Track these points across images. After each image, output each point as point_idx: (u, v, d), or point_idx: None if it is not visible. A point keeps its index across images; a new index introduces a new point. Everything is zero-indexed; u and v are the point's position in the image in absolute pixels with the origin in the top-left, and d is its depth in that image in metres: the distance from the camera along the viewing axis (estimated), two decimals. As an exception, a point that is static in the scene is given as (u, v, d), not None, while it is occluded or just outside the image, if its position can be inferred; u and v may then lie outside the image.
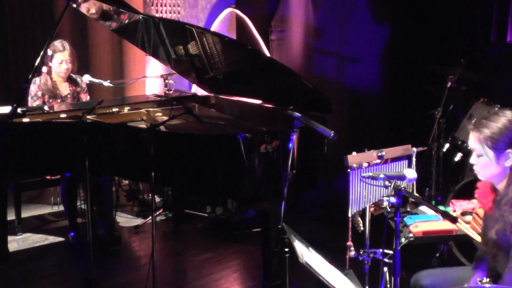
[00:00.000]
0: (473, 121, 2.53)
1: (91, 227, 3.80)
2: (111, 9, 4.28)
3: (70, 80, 4.75)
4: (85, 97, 4.81)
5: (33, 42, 6.07)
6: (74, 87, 4.77)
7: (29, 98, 4.58)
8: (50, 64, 4.60)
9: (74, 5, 4.40)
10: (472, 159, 2.50)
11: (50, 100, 4.63)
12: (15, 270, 4.21)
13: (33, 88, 4.58)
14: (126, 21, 4.38)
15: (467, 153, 4.34)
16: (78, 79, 4.78)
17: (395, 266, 2.51)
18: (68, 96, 4.73)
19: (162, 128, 3.86)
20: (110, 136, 3.84)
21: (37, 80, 4.59)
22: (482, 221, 2.65)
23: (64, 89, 4.72)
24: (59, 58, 4.58)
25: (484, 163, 2.45)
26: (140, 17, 4.26)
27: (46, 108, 4.39)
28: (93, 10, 4.44)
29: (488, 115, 2.50)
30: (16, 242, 4.69)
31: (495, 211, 2.47)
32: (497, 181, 2.48)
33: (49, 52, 4.54)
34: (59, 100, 4.66)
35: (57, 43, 4.59)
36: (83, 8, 4.46)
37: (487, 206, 2.55)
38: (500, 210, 2.41)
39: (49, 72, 4.62)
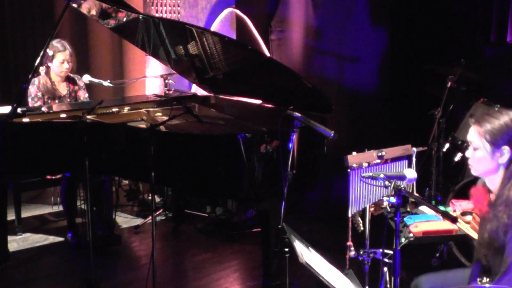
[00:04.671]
0: (474, 117, 2.57)
1: (91, 227, 3.80)
2: (110, 6, 4.28)
3: (68, 79, 4.74)
4: (83, 95, 4.81)
5: (33, 42, 6.07)
6: (72, 86, 4.77)
7: (30, 99, 4.57)
8: (49, 64, 4.59)
9: (75, 5, 4.40)
10: (468, 153, 2.54)
11: (49, 101, 4.63)
12: (15, 270, 4.21)
13: (33, 89, 4.56)
14: (124, 19, 4.38)
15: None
16: (76, 78, 4.78)
17: (395, 266, 2.51)
18: (66, 95, 4.72)
19: (162, 128, 3.86)
20: (110, 136, 3.84)
21: (35, 81, 4.57)
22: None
23: (63, 89, 4.72)
24: (61, 58, 4.58)
25: (479, 157, 2.48)
26: (140, 17, 4.26)
27: (45, 108, 4.39)
28: (93, 12, 4.44)
29: (492, 111, 2.54)
30: (16, 242, 4.69)
31: (490, 212, 2.48)
32: (489, 177, 2.51)
33: (50, 53, 4.53)
34: (57, 101, 4.66)
35: (57, 43, 4.58)
36: (84, 9, 4.46)
37: (484, 210, 2.56)
38: (495, 210, 2.43)
39: (47, 73, 4.62)
